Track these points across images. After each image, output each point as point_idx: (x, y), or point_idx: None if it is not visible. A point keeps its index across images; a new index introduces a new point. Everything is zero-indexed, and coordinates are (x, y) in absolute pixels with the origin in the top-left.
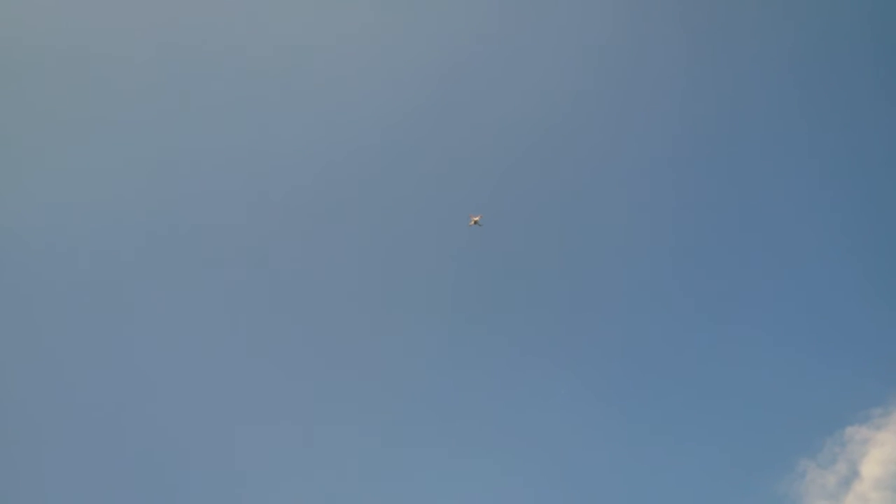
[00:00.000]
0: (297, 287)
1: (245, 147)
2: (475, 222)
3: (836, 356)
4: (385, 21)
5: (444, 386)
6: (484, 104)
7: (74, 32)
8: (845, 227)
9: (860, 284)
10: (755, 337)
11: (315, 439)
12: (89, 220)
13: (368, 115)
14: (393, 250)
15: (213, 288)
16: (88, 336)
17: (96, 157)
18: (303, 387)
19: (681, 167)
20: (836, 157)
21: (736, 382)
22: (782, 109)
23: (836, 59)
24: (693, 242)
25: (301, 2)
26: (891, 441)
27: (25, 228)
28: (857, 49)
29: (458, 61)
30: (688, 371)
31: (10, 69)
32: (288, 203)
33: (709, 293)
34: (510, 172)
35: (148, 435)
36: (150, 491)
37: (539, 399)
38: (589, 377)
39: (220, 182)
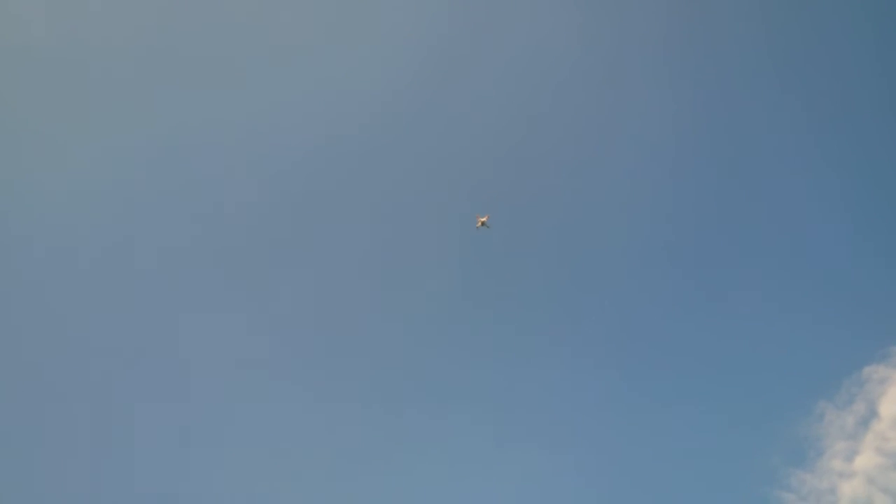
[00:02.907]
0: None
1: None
2: (482, 223)
3: (851, 297)
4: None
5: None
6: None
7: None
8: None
9: (876, 228)
10: (772, 282)
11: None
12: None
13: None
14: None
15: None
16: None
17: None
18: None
19: (673, 136)
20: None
21: (754, 329)
22: (768, 79)
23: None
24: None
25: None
26: None
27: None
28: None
29: (461, 57)
30: (708, 319)
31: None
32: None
33: (726, 245)
34: (509, 165)
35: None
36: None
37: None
38: (617, 338)
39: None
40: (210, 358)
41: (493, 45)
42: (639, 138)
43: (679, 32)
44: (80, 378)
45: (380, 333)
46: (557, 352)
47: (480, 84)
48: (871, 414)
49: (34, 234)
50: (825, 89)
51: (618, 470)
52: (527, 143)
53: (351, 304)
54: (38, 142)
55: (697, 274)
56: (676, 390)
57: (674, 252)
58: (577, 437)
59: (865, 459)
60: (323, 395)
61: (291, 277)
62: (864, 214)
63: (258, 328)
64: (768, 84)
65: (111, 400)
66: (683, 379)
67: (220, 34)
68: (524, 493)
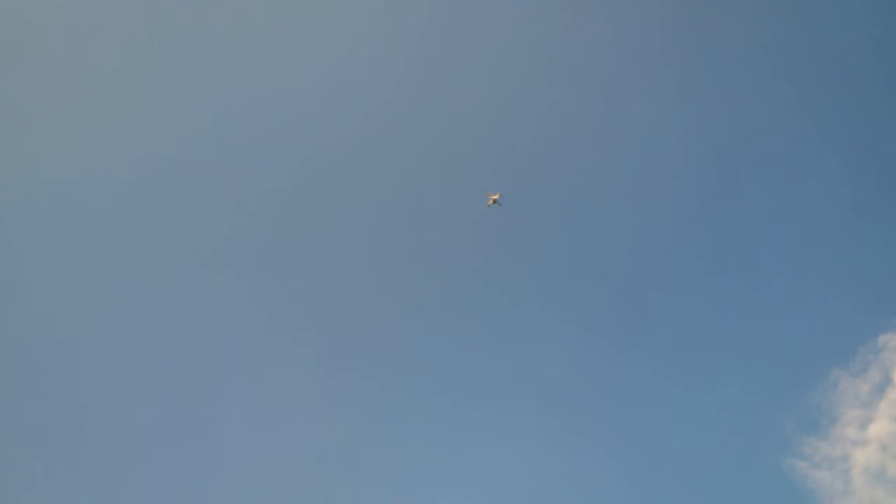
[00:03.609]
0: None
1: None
2: (494, 201)
3: (867, 265)
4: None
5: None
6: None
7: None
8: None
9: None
10: (787, 251)
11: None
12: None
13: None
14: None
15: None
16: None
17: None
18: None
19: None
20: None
21: (769, 298)
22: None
23: None
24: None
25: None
26: None
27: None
28: None
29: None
30: (723, 289)
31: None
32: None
33: (738, 215)
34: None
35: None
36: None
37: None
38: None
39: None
40: (210, 357)
41: (498, 34)
42: (642, 120)
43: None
44: (80, 378)
45: (386, 320)
46: (566, 325)
47: (488, 69)
48: (886, 382)
49: (34, 234)
50: (825, 71)
51: (632, 441)
52: (535, 128)
53: (355, 293)
54: (39, 142)
55: (710, 243)
56: (690, 360)
57: (685, 222)
58: (590, 412)
59: (880, 427)
60: (331, 385)
61: (294, 268)
62: (879, 181)
63: (260, 321)
64: (766, 61)
65: (111, 399)
66: (697, 349)
67: (218, 32)
68: (544, 466)
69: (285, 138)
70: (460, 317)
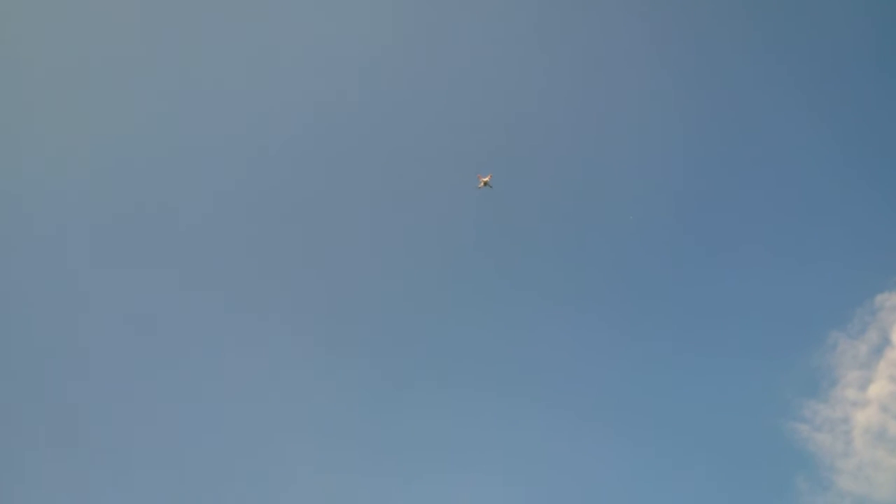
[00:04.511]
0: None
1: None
2: (485, 184)
3: (861, 226)
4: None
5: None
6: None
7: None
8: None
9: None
10: (781, 214)
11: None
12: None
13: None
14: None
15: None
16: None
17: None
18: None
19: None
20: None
21: (764, 261)
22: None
23: None
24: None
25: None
26: None
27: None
28: None
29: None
30: (719, 254)
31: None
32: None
33: (734, 181)
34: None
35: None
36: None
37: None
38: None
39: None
40: (210, 355)
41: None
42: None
43: None
44: (80, 378)
45: (386, 311)
46: (563, 303)
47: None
48: (885, 342)
49: (33, 234)
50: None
51: (633, 408)
52: (534, 120)
53: (355, 284)
54: (38, 141)
55: (707, 209)
56: (689, 326)
57: (682, 190)
58: (588, 381)
59: (879, 388)
60: (331, 378)
61: (293, 260)
62: (872, 143)
63: (259, 319)
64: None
65: (111, 399)
66: (695, 315)
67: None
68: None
69: (279, 132)
70: (461, 306)
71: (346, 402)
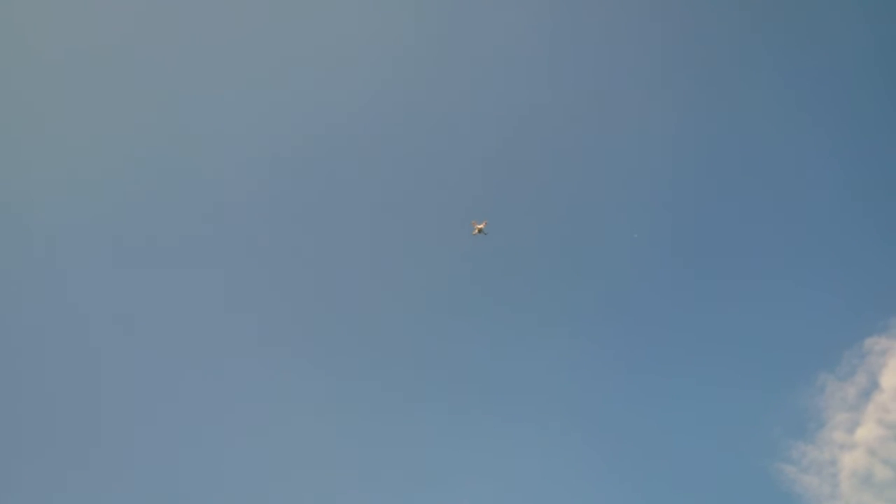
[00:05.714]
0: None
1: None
2: (479, 230)
3: (853, 268)
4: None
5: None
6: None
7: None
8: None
9: (878, 198)
10: (773, 254)
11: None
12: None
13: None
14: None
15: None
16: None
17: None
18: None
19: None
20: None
21: (755, 301)
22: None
23: None
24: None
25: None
26: None
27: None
28: None
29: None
30: (709, 291)
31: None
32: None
33: (725, 217)
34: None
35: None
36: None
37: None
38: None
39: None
40: (211, 357)
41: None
42: (638, 117)
43: None
44: (80, 378)
45: (383, 323)
46: (554, 329)
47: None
48: (873, 385)
49: (32, 232)
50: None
51: (622, 444)
52: (522, 140)
53: (353, 296)
54: (37, 141)
55: (698, 246)
56: (677, 363)
57: (672, 225)
58: (582, 413)
59: (867, 431)
60: (329, 388)
61: (294, 270)
62: (865, 184)
63: (260, 325)
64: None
65: (111, 399)
66: (684, 352)
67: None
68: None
69: (282, 137)
70: (456, 319)
71: (341, 420)
